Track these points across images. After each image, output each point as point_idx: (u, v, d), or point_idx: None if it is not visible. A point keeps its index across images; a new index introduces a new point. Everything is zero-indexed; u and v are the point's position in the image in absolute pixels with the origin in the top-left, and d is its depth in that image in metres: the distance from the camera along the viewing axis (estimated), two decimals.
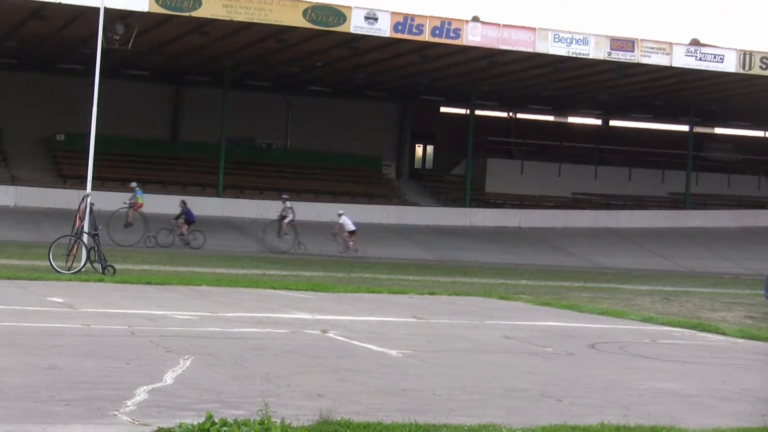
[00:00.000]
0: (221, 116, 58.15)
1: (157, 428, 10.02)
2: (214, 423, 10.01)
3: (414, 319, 22.39)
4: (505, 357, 17.27)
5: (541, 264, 52.45)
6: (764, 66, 52.91)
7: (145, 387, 12.32)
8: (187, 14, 45.52)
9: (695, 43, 53.61)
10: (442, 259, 52.20)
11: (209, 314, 20.89)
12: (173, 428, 9.92)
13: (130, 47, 44.82)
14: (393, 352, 16.81)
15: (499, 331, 20.93)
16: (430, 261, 50.79)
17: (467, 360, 16.67)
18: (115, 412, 10.93)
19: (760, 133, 79.35)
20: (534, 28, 50.58)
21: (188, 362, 14.34)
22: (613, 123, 76.75)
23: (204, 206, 56.12)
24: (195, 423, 9.98)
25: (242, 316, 20.92)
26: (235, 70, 57.68)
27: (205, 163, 60.32)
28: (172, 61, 57.32)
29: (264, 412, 10.26)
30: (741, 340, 21.94)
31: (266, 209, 57.24)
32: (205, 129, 61.66)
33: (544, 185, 67.19)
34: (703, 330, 23.41)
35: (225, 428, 9.88)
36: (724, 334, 22.72)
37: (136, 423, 10.46)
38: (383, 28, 48.19)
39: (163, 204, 55.08)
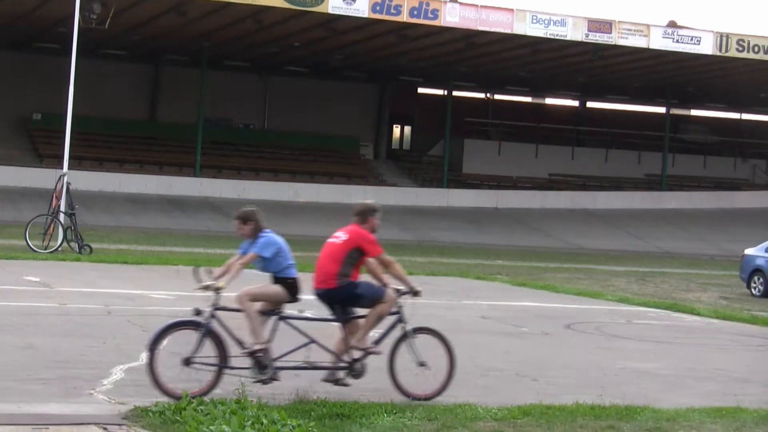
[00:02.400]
0: (199, 96, 57.96)
1: (133, 407, 10.06)
2: (191, 402, 10.06)
3: None
4: (482, 337, 17.35)
5: (518, 245, 52.55)
6: (741, 48, 53.03)
7: (121, 366, 12.34)
8: None
9: (672, 25, 53.68)
10: (419, 240, 52.25)
11: (186, 294, 20.86)
12: (150, 407, 9.95)
13: (107, 26, 44.57)
14: (372, 332, 16.84)
15: (475, 311, 21.02)
16: (407, 241, 50.80)
17: None
18: (92, 391, 10.96)
19: (736, 115, 79.52)
20: (512, 10, 50.55)
21: (165, 341, 14.34)
22: (590, 104, 76.78)
23: (181, 186, 56.03)
24: (172, 402, 10.02)
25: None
26: (213, 50, 57.45)
27: (183, 143, 60.11)
28: (149, 41, 57.04)
29: (240, 391, 10.30)
30: (715, 321, 22.10)
31: (244, 189, 57.19)
32: (182, 109, 61.41)
33: (521, 166, 67.22)
34: (677, 310, 23.58)
35: (202, 407, 9.92)
36: (698, 314, 22.89)
37: (113, 402, 10.49)
38: (361, 9, 48.07)
39: (140, 184, 55.01)
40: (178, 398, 10.42)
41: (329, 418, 9.91)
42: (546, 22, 50.34)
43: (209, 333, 11.32)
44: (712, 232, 60.30)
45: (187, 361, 11.05)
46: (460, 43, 53.42)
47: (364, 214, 12.29)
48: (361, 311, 12.05)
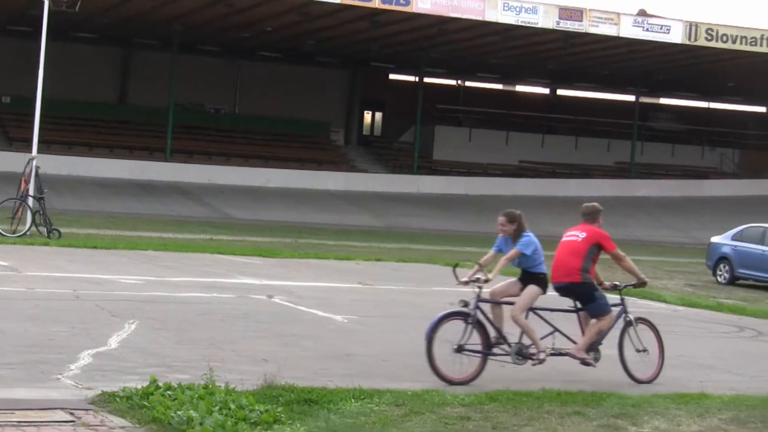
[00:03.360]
0: (170, 80, 57.80)
1: (101, 392, 10.06)
2: (158, 387, 10.06)
3: (360, 285, 22.52)
4: (450, 323, 17.40)
5: (488, 231, 52.41)
6: (709, 37, 53.27)
7: (89, 351, 12.34)
8: None
9: (642, 13, 53.88)
10: (389, 226, 52.32)
11: (155, 279, 20.88)
12: (117, 392, 9.96)
13: (77, 9, 44.29)
14: (339, 318, 16.92)
15: (444, 298, 21.03)
16: (377, 227, 50.88)
17: (413, 326, 16.76)
18: (59, 376, 10.95)
19: (704, 104, 79.90)
20: None
21: (133, 326, 14.37)
22: (560, 92, 76.97)
23: (151, 171, 55.86)
24: (139, 387, 10.03)
25: (188, 281, 20.94)
26: (184, 34, 57.22)
27: (154, 128, 59.89)
28: (120, 24, 56.73)
29: (209, 376, 10.32)
30: (681, 308, 22.27)
31: (214, 174, 57.11)
32: (153, 93, 61.18)
33: (491, 153, 67.31)
34: (645, 297, 23.68)
35: (169, 392, 9.93)
36: (665, 301, 23.05)
37: (80, 387, 10.49)
38: None
39: (110, 168, 54.79)
40: (451, 383, 11.68)
41: (297, 403, 9.94)
42: (517, 9, 50.41)
43: (476, 323, 12.28)
44: (680, 220, 60.64)
45: (460, 349, 12.12)
46: (432, 30, 53.45)
47: (594, 214, 13.58)
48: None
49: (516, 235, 12.95)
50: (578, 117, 70.93)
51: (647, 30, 52.49)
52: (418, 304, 19.70)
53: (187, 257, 26.72)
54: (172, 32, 56.51)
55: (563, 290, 13.13)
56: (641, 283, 13.52)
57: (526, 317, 12.88)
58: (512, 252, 12.78)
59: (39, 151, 31.17)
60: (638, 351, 13.15)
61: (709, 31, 53.21)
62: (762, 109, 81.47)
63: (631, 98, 70.38)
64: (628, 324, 13.34)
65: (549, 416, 10.16)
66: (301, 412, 9.64)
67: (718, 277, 30.83)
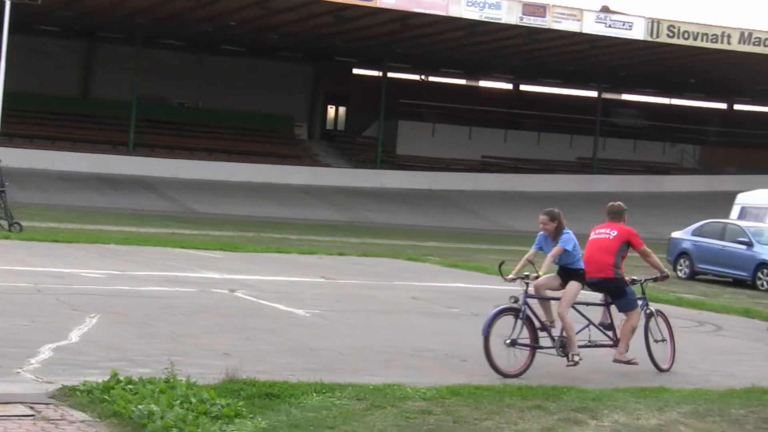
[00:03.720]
0: (134, 74, 57.53)
1: (61, 386, 10.03)
2: (119, 381, 10.04)
3: (323, 280, 22.52)
4: (413, 318, 17.48)
5: (451, 226, 52.79)
6: (671, 34, 53.54)
7: (50, 345, 12.29)
8: None
9: (605, 10, 54.18)
10: (352, 221, 52.33)
11: (117, 273, 20.82)
12: (78, 386, 9.93)
13: (40, 1, 44.07)
14: (301, 312, 16.93)
15: (407, 292, 21.14)
16: (340, 222, 50.88)
17: (375, 320, 16.84)
18: (19, 370, 10.91)
19: (666, 100, 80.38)
20: None
21: (95, 320, 14.33)
22: (523, 87, 77.19)
23: (114, 164, 55.61)
24: (100, 381, 10.00)
25: (150, 275, 20.89)
26: (148, 28, 56.97)
27: (117, 121, 59.59)
28: (84, 17, 56.38)
29: (170, 370, 10.31)
30: (639, 302, 22.36)
31: (178, 168, 56.93)
32: (116, 87, 60.87)
33: (454, 148, 67.43)
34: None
35: (130, 386, 9.92)
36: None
37: (41, 381, 10.45)
38: None
39: (72, 162, 54.50)
40: (506, 376, 12.19)
41: (258, 397, 9.94)
42: (481, 5, 50.48)
43: (526, 318, 12.80)
44: (641, 216, 60.83)
45: (513, 343, 12.66)
46: (396, 25, 53.46)
47: (620, 213, 14.19)
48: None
49: (556, 233, 13.37)
50: (541, 112, 71.16)
51: (610, 26, 52.72)
52: (381, 299, 19.75)
53: (150, 251, 26.64)
54: (136, 26, 56.25)
55: (596, 285, 13.77)
56: (663, 277, 14.42)
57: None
58: (556, 249, 13.20)
59: (1, 145, 31.04)
60: (656, 341, 13.94)
61: (671, 28, 53.49)
62: (723, 106, 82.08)
63: (594, 94, 70.72)
64: (650, 316, 14.12)
65: (510, 410, 10.21)
66: (263, 406, 9.65)
67: (679, 272, 31.05)
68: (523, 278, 13.01)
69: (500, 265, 13.49)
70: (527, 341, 12.80)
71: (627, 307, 13.77)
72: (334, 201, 56.98)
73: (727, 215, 36.28)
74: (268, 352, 12.93)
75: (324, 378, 10.86)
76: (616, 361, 13.56)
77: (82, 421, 9.04)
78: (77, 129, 59.41)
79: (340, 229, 44.96)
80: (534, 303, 13.15)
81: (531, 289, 13.06)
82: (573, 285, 13.24)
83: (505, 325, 12.71)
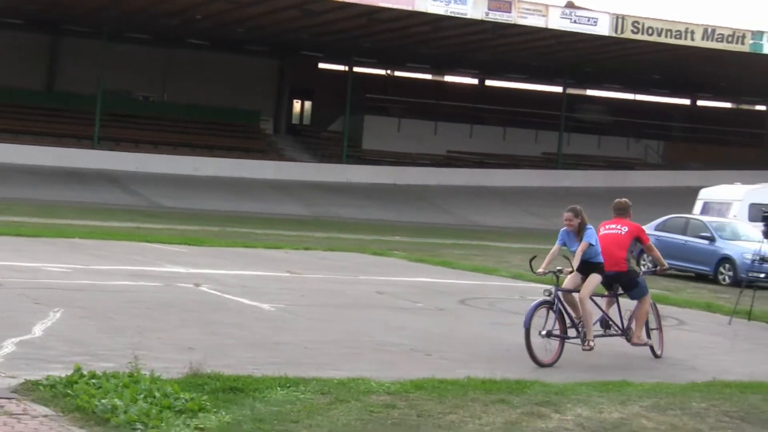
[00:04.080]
0: (99, 68, 57.26)
1: (24, 380, 9.99)
2: (82, 375, 10.01)
3: (288, 274, 22.52)
4: (378, 312, 17.50)
5: (416, 221, 52.88)
6: (636, 30, 53.82)
7: (13, 339, 12.23)
8: None
9: (570, 5, 54.29)
10: (318, 215, 52.32)
11: (81, 267, 20.74)
12: (41, 381, 9.89)
13: None
14: (266, 306, 16.93)
15: (372, 287, 21.16)
16: (306, 216, 50.87)
17: (340, 315, 16.86)
18: None
19: (630, 96, 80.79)
20: None
21: (58, 314, 14.28)
22: (489, 83, 77.40)
23: (79, 158, 55.37)
24: (63, 375, 9.97)
25: (115, 269, 20.83)
26: (113, 21, 56.74)
27: (82, 115, 59.33)
28: (48, 10, 56.15)
29: (134, 364, 10.29)
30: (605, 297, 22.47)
31: (143, 162, 56.74)
32: (81, 80, 60.61)
33: (420, 143, 67.54)
34: None
35: (94, 380, 9.89)
36: None
37: (3, 375, 10.40)
38: None
39: (37, 156, 54.21)
40: (542, 365, 12.98)
41: (223, 391, 9.93)
42: (447, 0, 50.56)
43: (558, 311, 13.56)
44: (606, 211, 60.35)
45: (549, 334, 13.39)
46: (362, 20, 53.48)
47: (627, 209, 14.97)
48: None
49: (580, 229, 14.04)
50: (506, 108, 71.37)
51: (575, 22, 52.93)
52: (346, 294, 19.77)
53: (115, 245, 26.55)
54: (101, 19, 55.98)
55: (611, 278, 14.47)
56: (663, 270, 15.44)
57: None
58: (583, 244, 13.90)
59: None
60: (652, 329, 14.70)
61: (636, 24, 53.75)
62: (686, 102, 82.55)
63: (559, 89, 70.95)
64: (560, 308, 14.34)
65: (474, 404, 10.24)
66: (227, 401, 9.65)
67: (642, 267, 31.15)
68: (555, 272, 13.79)
69: (531, 259, 14.04)
70: (558, 332, 13.52)
71: (640, 294, 14.50)
72: (299, 195, 56.96)
73: (690, 210, 36.51)
74: (232, 346, 12.92)
75: (288, 372, 10.86)
76: (634, 344, 14.41)
77: (45, 416, 9.01)
78: (42, 123, 59.12)
79: (305, 223, 44.94)
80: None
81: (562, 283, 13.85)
82: (594, 276, 13.97)
83: (540, 317, 13.41)
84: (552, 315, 13.50)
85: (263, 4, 51.57)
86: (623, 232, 14.54)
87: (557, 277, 13.80)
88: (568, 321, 13.76)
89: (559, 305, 13.61)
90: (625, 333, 14.47)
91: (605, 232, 14.65)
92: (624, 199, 15.21)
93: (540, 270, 13.81)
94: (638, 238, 14.66)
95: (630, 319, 14.55)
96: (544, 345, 13.31)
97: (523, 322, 13.23)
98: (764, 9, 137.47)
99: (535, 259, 13.99)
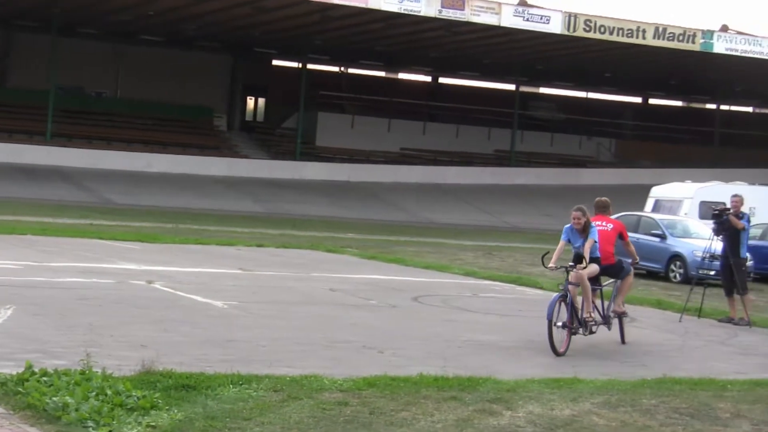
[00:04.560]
0: (50, 63, 56.84)
1: None
2: (34, 373, 9.97)
3: (241, 271, 22.49)
4: (330, 309, 17.52)
5: (369, 218, 52.92)
6: (588, 28, 54.10)
7: None
8: None
9: (523, 3, 54.50)
10: (271, 212, 52.24)
11: (34, 264, 20.62)
12: None
13: None
14: (219, 303, 16.91)
15: (325, 284, 21.18)
16: (259, 213, 50.79)
17: (293, 312, 16.86)
18: None
19: (582, 94, 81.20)
20: None
21: (10, 312, 14.20)
22: (442, 80, 77.54)
23: (31, 154, 54.95)
24: (14, 373, 9.93)
25: (67, 266, 20.72)
26: (65, 16, 56.35)
27: (34, 111, 58.87)
28: None
29: (86, 362, 10.25)
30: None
31: (96, 158, 56.39)
32: (33, 76, 60.16)
33: (374, 140, 67.58)
34: (522, 284, 24.09)
35: (45, 378, 9.85)
36: (541, 288, 23.38)
37: None
38: None
39: None
40: (558, 355, 14.01)
41: (175, 389, 9.92)
42: None
43: (569, 303, 14.63)
44: (558, 208, 61.40)
45: (564, 325, 14.45)
46: (316, 16, 53.42)
47: (608, 207, 16.34)
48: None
49: (585, 227, 15.21)
50: (459, 105, 71.51)
51: (527, 20, 53.14)
52: (299, 291, 19.77)
53: (67, 242, 26.41)
54: (51, 14, 55.56)
55: (602, 271, 15.72)
56: (635, 262, 16.88)
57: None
58: (590, 240, 15.15)
59: None
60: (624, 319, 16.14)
61: (588, 22, 54.05)
62: (638, 100, 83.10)
63: (512, 87, 71.22)
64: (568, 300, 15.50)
65: (426, 401, 10.29)
66: (179, 398, 9.64)
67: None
68: (567, 267, 14.88)
69: (543, 255, 15.26)
70: (567, 321, 14.58)
71: (625, 274, 16.09)
72: (253, 192, 56.84)
73: (641, 208, 36.75)
74: (185, 344, 12.90)
75: (241, 369, 10.86)
76: (615, 312, 15.79)
77: None
78: None
79: (259, 220, 44.87)
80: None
81: (571, 277, 14.81)
82: (593, 265, 15.21)
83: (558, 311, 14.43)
84: (565, 307, 14.58)
85: (216, 1, 51.40)
86: (609, 229, 15.95)
87: (567, 271, 14.85)
88: (579, 317, 14.93)
89: (570, 297, 14.68)
90: (606, 321, 15.56)
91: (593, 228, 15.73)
92: (605, 198, 16.51)
93: (551, 265, 14.91)
94: (620, 234, 16.13)
95: (608, 308, 15.79)
96: (560, 335, 14.31)
97: (547, 315, 14.27)
98: (714, 9, 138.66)
99: (547, 255, 15.16)
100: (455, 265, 27.66)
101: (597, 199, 16.50)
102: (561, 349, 14.21)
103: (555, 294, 14.90)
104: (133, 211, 44.19)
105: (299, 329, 14.92)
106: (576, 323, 14.78)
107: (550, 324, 14.20)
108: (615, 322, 15.84)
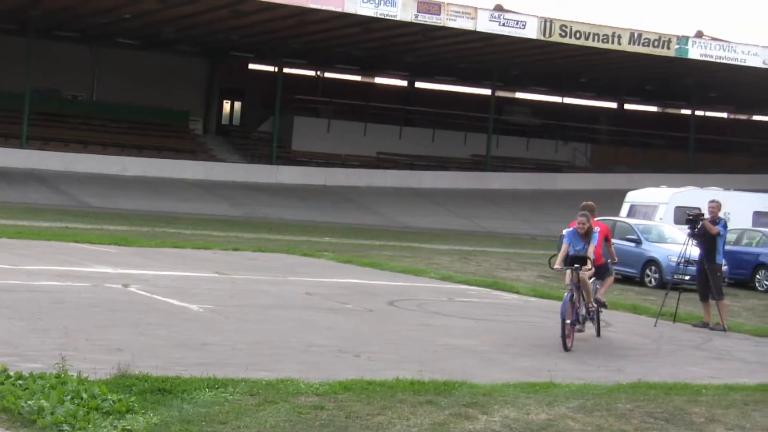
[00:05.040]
0: (26, 66, 56.60)
1: None
2: (9, 376, 9.94)
3: (217, 275, 22.48)
4: (306, 313, 17.52)
5: (345, 222, 52.91)
6: (563, 34, 54.25)
7: None
8: None
9: (499, 8, 54.60)
10: (247, 216, 52.17)
11: (9, 267, 20.55)
12: None
13: None
14: (194, 307, 16.89)
15: (301, 288, 21.18)
16: (235, 217, 50.70)
17: (269, 315, 16.86)
18: None
19: (558, 99, 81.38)
20: None
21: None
22: (418, 84, 77.56)
23: (6, 158, 54.70)
24: None
25: (43, 269, 20.65)
26: (41, 19, 56.12)
27: (9, 114, 58.60)
28: None
29: (61, 365, 10.23)
30: (533, 299, 22.71)
31: (71, 162, 56.20)
32: (9, 78, 59.82)
33: (349, 144, 67.54)
34: (498, 288, 24.13)
35: (20, 381, 9.82)
36: (517, 292, 23.46)
37: None
38: None
39: None
40: (566, 350, 15.16)
41: (151, 392, 9.91)
42: (376, 1, 50.65)
43: (576, 301, 16.01)
44: (533, 213, 61.67)
45: (572, 323, 15.61)
46: (292, 20, 53.41)
47: (594, 211, 17.05)
48: None
49: (588, 231, 16.40)
50: (435, 110, 71.60)
51: (503, 25, 53.25)
52: (275, 294, 19.77)
53: (43, 245, 26.33)
54: (29, 17, 55.34)
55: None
56: (614, 262, 18.04)
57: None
58: (598, 241, 16.55)
59: None
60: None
61: (563, 28, 54.21)
62: (613, 105, 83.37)
63: (488, 92, 71.29)
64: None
65: (402, 405, 10.30)
66: (155, 402, 9.63)
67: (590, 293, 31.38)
68: (572, 268, 16.08)
69: (550, 258, 17.15)
70: (573, 319, 15.76)
71: (609, 273, 17.56)
72: (229, 196, 56.75)
73: (617, 213, 36.89)
74: (160, 347, 12.89)
75: (217, 373, 10.86)
76: (596, 300, 16.83)
77: None
78: None
79: (235, 224, 44.80)
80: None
81: (574, 278, 16.07)
82: (592, 268, 16.49)
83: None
84: (573, 306, 15.77)
85: (193, 4, 51.33)
86: (596, 233, 16.70)
87: (572, 272, 16.10)
88: (582, 314, 16.35)
89: (575, 297, 15.90)
90: (591, 317, 16.84)
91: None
92: (591, 202, 17.34)
93: (557, 266, 16.40)
94: (606, 237, 17.20)
95: (588, 309, 16.70)
96: (569, 333, 15.43)
97: (560, 314, 15.40)
98: (689, 14, 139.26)
99: (553, 257, 17.02)
100: (431, 269, 27.69)
101: (584, 203, 17.16)
102: (570, 345, 15.32)
103: (566, 294, 15.89)
104: (109, 215, 44.06)
105: (275, 333, 14.92)
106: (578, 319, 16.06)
107: (564, 322, 15.25)
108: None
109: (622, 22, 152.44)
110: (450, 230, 54.25)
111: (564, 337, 15.24)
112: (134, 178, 56.53)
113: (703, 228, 19.61)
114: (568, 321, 15.38)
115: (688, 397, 11.82)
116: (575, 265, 16.05)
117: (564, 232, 17.06)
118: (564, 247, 16.40)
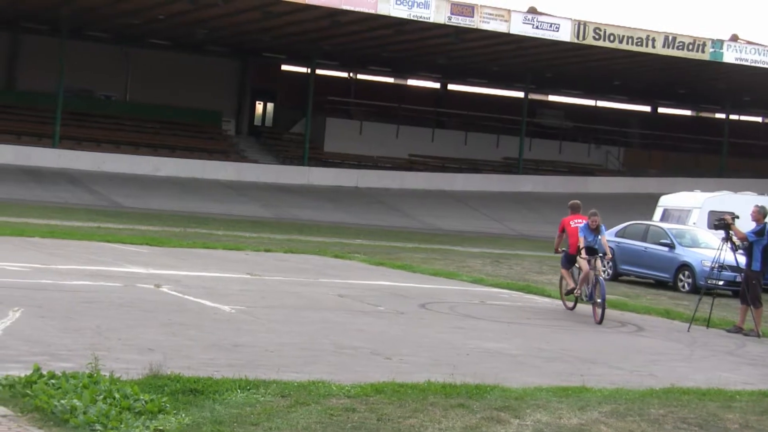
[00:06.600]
0: (59, 66, 56.88)
1: None
2: (41, 375, 9.96)
3: (248, 276, 22.48)
4: (338, 315, 17.50)
5: (377, 224, 52.89)
6: (597, 36, 54.08)
7: None
8: None
9: (533, 11, 54.46)
10: (279, 217, 52.23)
11: (41, 266, 20.62)
12: None
13: None
14: (226, 308, 16.89)
15: (332, 289, 21.16)
16: (267, 218, 50.76)
17: (300, 317, 16.84)
18: None
19: (591, 102, 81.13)
20: None
21: (18, 314, 14.20)
22: (451, 87, 77.49)
23: (39, 157, 54.99)
24: (22, 375, 9.92)
25: (75, 269, 20.71)
26: (73, 19, 56.37)
27: (42, 113, 58.89)
28: (7, 7, 55.76)
29: (93, 365, 10.24)
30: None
31: (103, 162, 56.45)
32: (42, 78, 60.16)
33: (381, 146, 67.55)
34: (530, 292, 24.05)
35: (53, 381, 9.84)
36: (549, 296, 23.37)
37: None
38: None
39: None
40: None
41: (182, 393, 9.91)
42: (410, 3, 50.62)
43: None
44: (564, 216, 61.38)
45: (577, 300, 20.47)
46: (324, 22, 53.43)
47: (580, 208, 20.69)
48: None
49: (597, 227, 19.98)
50: (468, 112, 71.53)
51: (537, 27, 53.11)
52: (306, 296, 19.75)
53: (75, 245, 26.41)
54: (61, 17, 55.62)
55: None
56: (606, 255, 20.35)
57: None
58: (605, 235, 20.38)
59: None
60: (598, 301, 19.49)
61: (597, 31, 54.02)
62: (646, 108, 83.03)
63: (520, 95, 71.14)
64: (596, 279, 19.74)
65: (433, 408, 10.27)
66: (187, 402, 9.63)
67: (602, 273, 31.28)
68: (597, 257, 19.84)
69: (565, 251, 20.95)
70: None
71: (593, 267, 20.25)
72: (260, 197, 56.84)
73: (649, 217, 36.70)
74: (192, 348, 12.89)
75: (248, 374, 10.85)
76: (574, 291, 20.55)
77: (4, 416, 8.96)
78: (2, 121, 58.65)
79: (266, 225, 44.85)
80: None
81: (589, 266, 19.78)
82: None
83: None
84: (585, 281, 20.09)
85: (225, 6, 51.41)
86: (603, 226, 20.01)
87: (591, 260, 19.81)
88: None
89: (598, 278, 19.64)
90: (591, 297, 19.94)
91: (575, 225, 20.56)
92: (578, 200, 21.23)
93: (584, 255, 19.86)
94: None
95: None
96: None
97: (588, 297, 19.95)
98: (724, 18, 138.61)
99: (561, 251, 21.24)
100: (463, 272, 27.64)
101: (571, 201, 21.08)
102: (570, 305, 20.52)
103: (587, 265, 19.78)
104: (140, 215, 44.20)
105: (307, 335, 14.90)
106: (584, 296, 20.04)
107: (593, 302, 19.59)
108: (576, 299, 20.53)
109: (657, 25, 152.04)
110: (481, 233, 54.15)
111: (595, 315, 19.23)
112: (166, 178, 56.70)
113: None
114: (585, 297, 19.95)
115: (722, 403, 11.73)
116: (600, 254, 19.97)
117: (572, 224, 20.72)
118: (581, 239, 19.95)
